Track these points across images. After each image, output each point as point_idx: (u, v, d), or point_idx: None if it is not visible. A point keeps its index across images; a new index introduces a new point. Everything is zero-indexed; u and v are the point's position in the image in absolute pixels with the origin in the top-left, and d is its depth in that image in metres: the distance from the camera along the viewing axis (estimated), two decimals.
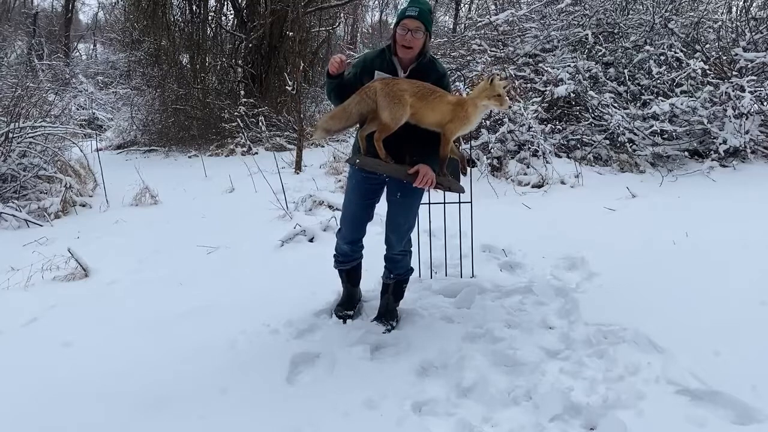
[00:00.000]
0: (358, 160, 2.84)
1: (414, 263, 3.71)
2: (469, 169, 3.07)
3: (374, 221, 3.17)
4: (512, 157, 6.73)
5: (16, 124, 6.75)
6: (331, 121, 2.81)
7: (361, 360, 2.78)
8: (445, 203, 3.85)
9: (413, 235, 3.07)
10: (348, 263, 3.23)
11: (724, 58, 7.16)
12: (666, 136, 6.80)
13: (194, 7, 13.55)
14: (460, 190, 3.09)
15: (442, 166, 2.80)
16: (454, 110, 2.70)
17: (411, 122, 2.74)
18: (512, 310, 3.26)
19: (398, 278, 3.19)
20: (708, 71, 7.01)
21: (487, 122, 7.09)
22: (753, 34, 7.37)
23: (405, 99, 2.64)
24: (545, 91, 7.42)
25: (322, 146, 9.98)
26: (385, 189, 3.04)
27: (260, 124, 11.37)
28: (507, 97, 2.70)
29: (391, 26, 2.83)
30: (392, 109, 2.64)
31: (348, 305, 3.28)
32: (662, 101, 6.75)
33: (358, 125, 2.89)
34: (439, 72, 2.83)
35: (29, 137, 6.88)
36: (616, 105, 7.17)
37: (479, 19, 10.62)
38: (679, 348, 2.66)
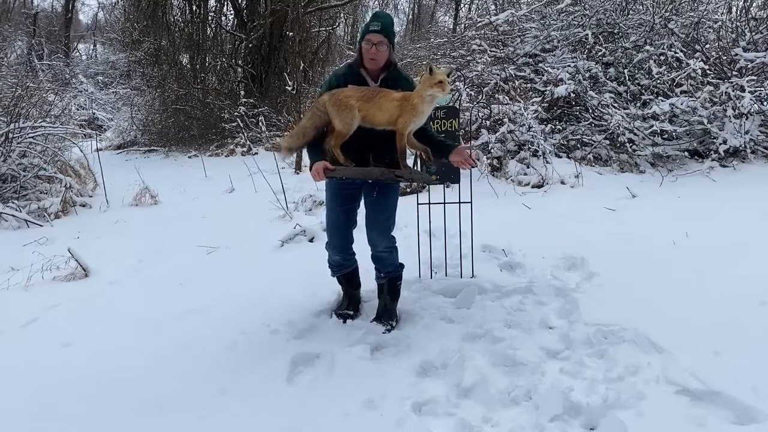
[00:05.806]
0: (342, 175, 2.88)
1: (414, 263, 3.72)
2: (468, 168, 3.08)
3: (361, 228, 3.17)
4: (512, 157, 6.73)
5: (16, 124, 6.75)
6: (291, 140, 2.96)
7: (361, 360, 2.78)
8: (445, 203, 3.85)
9: (413, 235, 3.05)
10: (342, 270, 3.27)
11: (724, 58, 7.15)
12: (666, 136, 6.79)
13: (194, 7, 13.57)
14: (425, 180, 3.24)
15: (401, 159, 2.88)
16: (401, 105, 2.77)
17: (366, 126, 2.81)
18: (512, 310, 3.26)
19: (389, 276, 3.19)
20: (708, 71, 7.01)
21: (488, 122, 7.10)
22: (753, 34, 7.37)
23: (351, 104, 2.74)
24: (545, 91, 7.41)
25: None
26: (363, 191, 3.09)
27: (260, 124, 11.37)
28: (448, 83, 2.76)
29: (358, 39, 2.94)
30: (342, 116, 2.76)
31: (348, 306, 3.29)
32: (662, 101, 6.75)
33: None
34: (407, 79, 2.98)
35: (29, 137, 6.89)
36: (616, 105, 7.17)
37: (479, 19, 10.62)
38: (679, 348, 2.66)
